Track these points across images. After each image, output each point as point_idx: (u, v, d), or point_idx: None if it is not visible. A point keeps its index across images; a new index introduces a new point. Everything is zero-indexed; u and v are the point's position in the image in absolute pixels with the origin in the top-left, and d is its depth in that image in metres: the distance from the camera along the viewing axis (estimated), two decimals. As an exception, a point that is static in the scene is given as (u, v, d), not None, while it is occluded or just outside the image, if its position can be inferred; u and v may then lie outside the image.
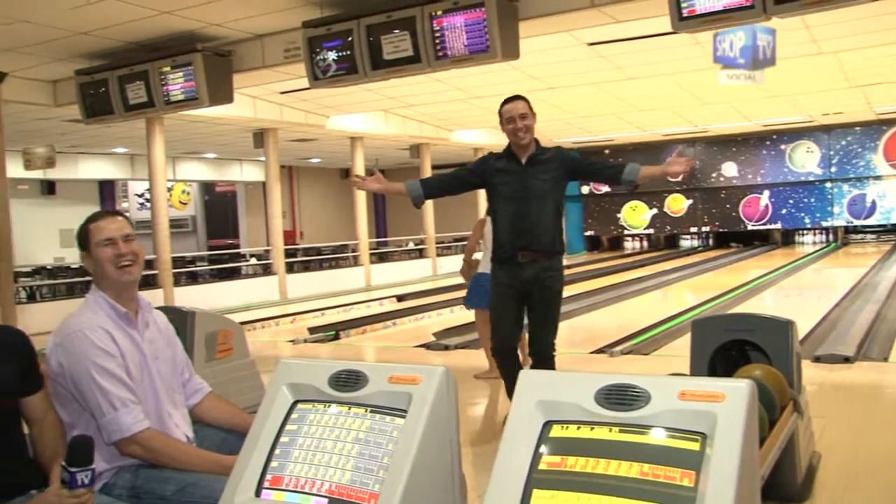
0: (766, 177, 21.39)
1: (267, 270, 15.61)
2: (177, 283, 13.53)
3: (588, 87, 12.69)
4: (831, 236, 21.71)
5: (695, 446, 1.72)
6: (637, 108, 15.42)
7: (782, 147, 21.08)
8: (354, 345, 8.99)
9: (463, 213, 19.16)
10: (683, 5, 5.81)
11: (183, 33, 8.08)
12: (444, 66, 6.88)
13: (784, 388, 3.24)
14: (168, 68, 8.33)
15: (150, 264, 12.03)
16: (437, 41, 6.67)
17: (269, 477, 2.07)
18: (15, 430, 2.32)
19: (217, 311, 8.29)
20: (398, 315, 10.87)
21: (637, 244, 24.16)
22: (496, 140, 16.66)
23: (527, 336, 4.50)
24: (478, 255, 6.42)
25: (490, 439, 4.64)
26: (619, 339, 7.84)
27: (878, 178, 20.41)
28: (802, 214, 21.32)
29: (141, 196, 20.91)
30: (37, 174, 15.37)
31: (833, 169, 20.66)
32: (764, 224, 21.76)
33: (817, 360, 6.40)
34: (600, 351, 7.36)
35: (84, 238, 2.54)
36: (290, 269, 16.08)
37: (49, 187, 18.63)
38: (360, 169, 16.51)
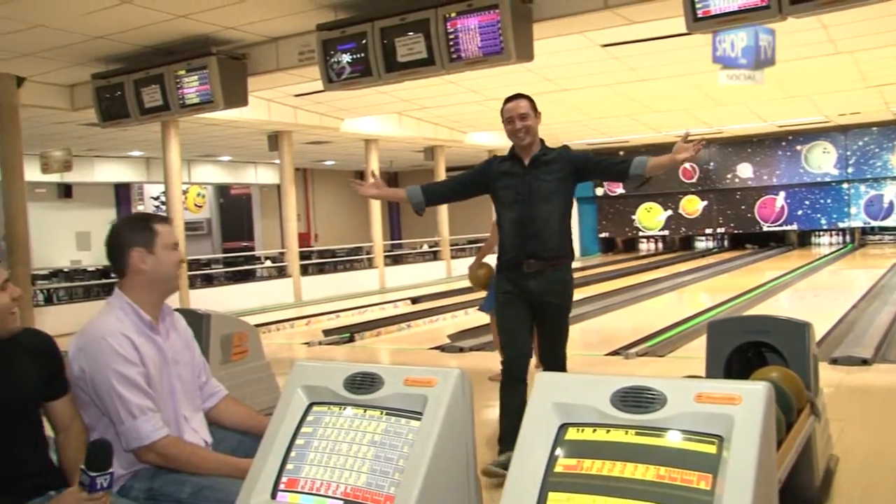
0: (782, 178, 21.25)
1: (282, 273, 15.67)
2: (192, 285, 13.59)
3: (602, 88, 12.66)
4: (848, 237, 21.56)
5: (711, 449, 1.71)
6: (651, 110, 15.36)
7: (798, 148, 20.95)
8: (369, 347, 9.00)
9: (478, 215, 19.13)
10: (698, 6, 5.78)
11: (198, 37, 8.12)
12: (458, 69, 6.88)
13: (801, 391, 3.21)
14: (183, 72, 8.37)
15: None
16: (451, 43, 6.67)
17: (284, 479, 2.07)
18: (36, 432, 2.33)
19: (232, 313, 8.34)
20: (413, 317, 10.88)
21: (652, 246, 24.08)
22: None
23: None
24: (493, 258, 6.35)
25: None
26: (634, 340, 7.82)
27: (895, 178, 20.25)
28: (819, 215, 21.17)
29: (156, 199, 21.03)
30: (54, 178, 15.49)
31: (850, 170, 20.50)
32: (780, 225, 21.63)
33: (834, 362, 6.35)
34: (615, 353, 7.34)
35: (149, 237, 2.53)
36: (305, 271, 16.13)
37: (66, 191, 18.76)
38: (373, 170, 16.53)
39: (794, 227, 21.57)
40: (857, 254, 19.65)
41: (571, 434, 1.86)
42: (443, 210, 17.98)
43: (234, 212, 23.82)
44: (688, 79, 12.14)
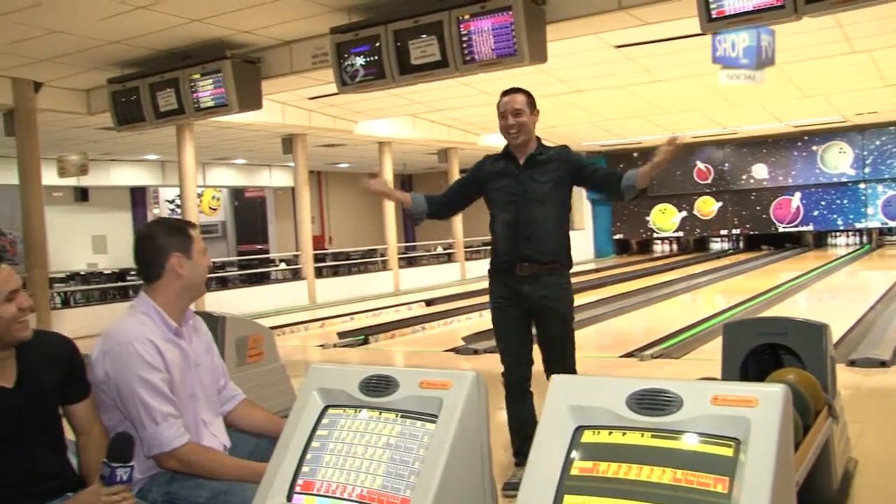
0: (798, 178, 21.12)
1: (296, 275, 15.72)
2: (207, 287, 13.60)
3: (615, 89, 12.63)
4: (865, 238, 21.38)
5: (728, 452, 1.70)
6: (665, 111, 15.31)
7: (814, 148, 20.81)
8: (383, 349, 9.00)
9: (491, 217, 19.11)
10: (712, 6, 5.75)
11: (212, 41, 8.17)
12: (471, 71, 6.88)
13: (818, 393, 3.19)
14: (198, 75, 8.42)
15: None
16: (465, 45, 6.67)
17: (300, 482, 2.08)
18: (54, 435, 2.34)
19: (247, 315, 8.37)
20: (427, 319, 10.88)
21: (666, 247, 23.97)
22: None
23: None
24: None
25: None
26: (649, 342, 7.77)
27: (913, 178, 20.10)
28: (835, 216, 21.01)
29: (171, 202, 21.15)
30: (70, 181, 15.60)
31: (867, 170, 20.34)
32: (795, 226, 21.48)
33: (852, 364, 6.30)
34: (630, 355, 7.30)
35: (187, 242, 2.56)
36: (319, 273, 16.16)
37: (82, 194, 18.91)
38: (388, 173, 16.60)
39: (811, 227, 21.42)
40: (875, 254, 19.48)
41: (587, 437, 1.85)
42: (457, 211, 17.96)
43: (249, 214, 23.92)
44: (702, 79, 12.08)
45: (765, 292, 11.80)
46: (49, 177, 12.08)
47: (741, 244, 22.93)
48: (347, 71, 7.31)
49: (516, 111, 3.73)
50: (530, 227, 3.71)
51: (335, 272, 17.51)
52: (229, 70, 8.20)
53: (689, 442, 1.75)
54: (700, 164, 22.14)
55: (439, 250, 20.48)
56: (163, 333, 2.49)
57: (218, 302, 12.49)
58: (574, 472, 1.81)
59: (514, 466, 3.79)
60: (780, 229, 21.65)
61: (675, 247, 23.85)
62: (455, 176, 17.38)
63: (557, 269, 3.78)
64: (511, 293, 3.78)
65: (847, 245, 21.46)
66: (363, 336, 9.43)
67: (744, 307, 10.39)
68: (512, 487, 3.49)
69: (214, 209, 23.24)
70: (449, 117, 15.47)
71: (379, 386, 2.13)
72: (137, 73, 8.92)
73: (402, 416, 2.06)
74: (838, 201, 20.90)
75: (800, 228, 21.53)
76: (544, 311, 3.75)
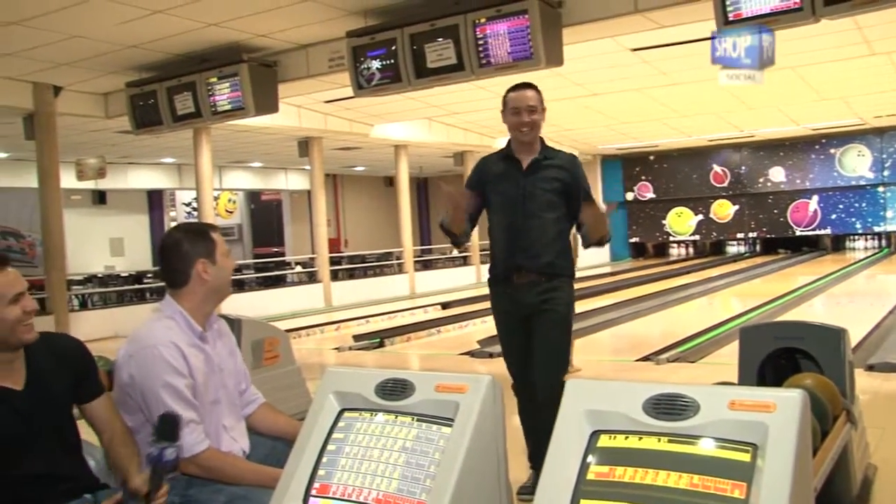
0: (815, 181, 20.97)
1: (312, 278, 15.77)
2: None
3: (632, 92, 12.59)
4: (884, 241, 21.20)
5: (745, 457, 1.69)
6: (681, 114, 15.25)
7: (832, 151, 20.66)
8: (399, 352, 9.01)
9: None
10: (729, 9, 5.73)
11: (229, 45, 8.21)
12: (487, 74, 6.87)
13: (836, 398, 3.16)
14: (215, 79, 8.47)
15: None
16: (481, 49, 6.67)
17: (316, 485, 2.08)
18: (67, 435, 2.35)
19: (263, 318, 8.40)
20: (442, 322, 10.88)
21: (683, 251, 23.87)
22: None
23: None
24: None
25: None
26: (665, 346, 7.75)
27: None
28: (853, 219, 20.86)
29: (188, 205, 21.28)
30: (88, 184, 15.74)
31: (886, 173, 20.17)
32: (813, 229, 21.33)
33: (871, 368, 6.24)
34: (646, 359, 7.28)
35: (210, 247, 2.56)
36: (335, 276, 16.20)
37: (100, 197, 19.04)
38: (403, 176, 16.63)
39: (828, 231, 21.27)
40: (894, 258, 19.30)
41: (604, 441, 1.85)
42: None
43: (265, 217, 24.00)
44: (718, 82, 12.02)
45: (782, 296, 11.73)
46: (67, 180, 12.19)
47: (758, 248, 22.80)
48: (363, 74, 7.32)
49: (531, 108, 3.58)
50: (530, 236, 3.57)
51: (351, 275, 17.56)
52: (246, 74, 8.24)
53: (706, 447, 1.74)
54: (717, 168, 22.03)
55: (455, 253, 20.47)
56: (188, 338, 2.49)
57: (234, 305, 12.51)
58: (590, 476, 1.80)
59: (529, 471, 3.79)
60: (798, 233, 21.51)
61: (691, 250, 23.75)
62: (471, 179, 17.35)
63: (556, 278, 3.62)
64: (512, 305, 3.67)
65: (865, 249, 21.29)
66: (379, 339, 9.44)
67: (761, 311, 10.33)
68: (527, 492, 3.47)
69: (231, 212, 23.35)
70: (465, 120, 15.48)
71: (395, 389, 2.13)
72: (155, 76, 8.98)
73: (418, 420, 2.06)
74: (856, 204, 20.75)
75: (817, 232, 21.39)
76: (541, 313, 3.60)
